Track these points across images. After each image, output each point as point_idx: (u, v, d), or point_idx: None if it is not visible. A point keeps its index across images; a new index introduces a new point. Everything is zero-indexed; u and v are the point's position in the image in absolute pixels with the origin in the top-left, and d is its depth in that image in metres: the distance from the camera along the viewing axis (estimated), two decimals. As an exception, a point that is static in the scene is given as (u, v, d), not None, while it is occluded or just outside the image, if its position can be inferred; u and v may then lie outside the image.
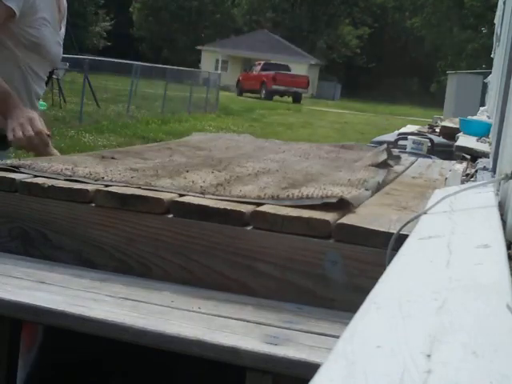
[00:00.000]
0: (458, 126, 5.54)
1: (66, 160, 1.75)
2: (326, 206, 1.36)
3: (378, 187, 1.72)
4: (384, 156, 2.13)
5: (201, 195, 1.44)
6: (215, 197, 1.42)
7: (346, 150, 2.53)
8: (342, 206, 1.37)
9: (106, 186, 1.48)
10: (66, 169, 1.59)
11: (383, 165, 2.05)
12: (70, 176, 1.54)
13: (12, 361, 1.36)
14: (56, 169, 1.59)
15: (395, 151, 4.08)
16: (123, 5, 50.16)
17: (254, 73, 33.51)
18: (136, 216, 1.39)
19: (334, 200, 1.36)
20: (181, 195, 1.43)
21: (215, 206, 1.34)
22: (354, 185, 1.61)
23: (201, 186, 1.49)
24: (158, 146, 2.34)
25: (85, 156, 1.88)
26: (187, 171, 1.70)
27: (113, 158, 1.85)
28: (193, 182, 1.54)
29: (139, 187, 1.46)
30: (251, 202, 1.40)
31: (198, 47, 45.67)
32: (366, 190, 1.59)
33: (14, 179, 1.51)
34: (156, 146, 2.29)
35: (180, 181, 1.55)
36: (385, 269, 0.86)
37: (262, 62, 35.01)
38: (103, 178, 1.53)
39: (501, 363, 0.50)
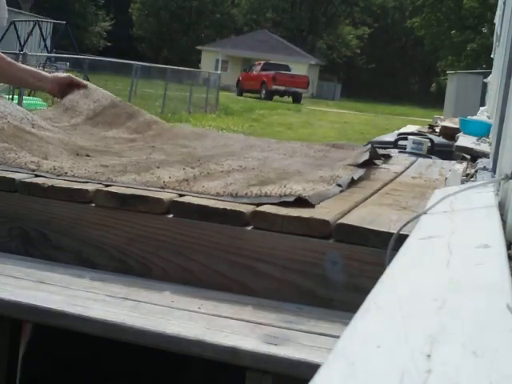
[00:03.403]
0: (458, 126, 5.53)
1: (39, 151, 1.74)
2: (300, 204, 1.38)
3: (352, 183, 1.73)
4: (366, 157, 2.14)
5: (160, 189, 1.45)
6: (175, 191, 1.44)
7: (336, 150, 2.53)
8: (300, 204, 1.38)
9: (107, 185, 1.48)
10: (32, 162, 1.59)
11: (364, 164, 2.06)
12: (34, 170, 1.55)
13: (12, 361, 1.36)
14: (20, 162, 1.59)
15: (394, 151, 4.08)
16: (123, 5, 50.14)
17: (254, 73, 33.49)
18: (136, 216, 1.39)
19: (291, 199, 1.38)
20: (181, 195, 1.44)
21: (215, 205, 1.34)
22: (326, 181, 1.62)
23: (164, 181, 1.50)
24: (143, 142, 2.31)
25: (60, 148, 1.86)
26: (158, 167, 1.71)
27: (87, 156, 1.85)
28: (158, 177, 1.55)
29: (100, 183, 1.48)
30: (210, 198, 1.41)
31: (198, 47, 45.65)
32: (338, 185, 1.60)
33: (13, 179, 1.51)
34: (140, 145, 2.26)
35: (146, 176, 1.55)
36: (385, 269, 0.86)
37: (262, 62, 34.99)
38: (66, 173, 1.54)
39: (501, 363, 0.50)
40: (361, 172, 1.88)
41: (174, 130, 2.58)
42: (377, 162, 2.26)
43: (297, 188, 1.45)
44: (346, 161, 2.12)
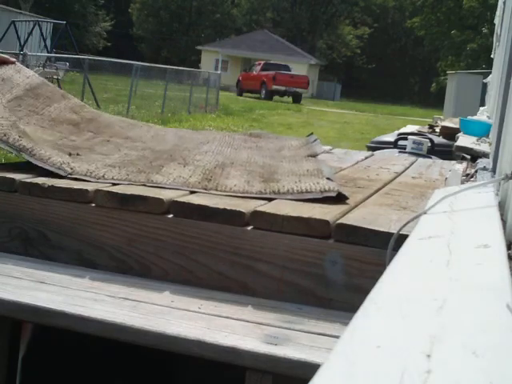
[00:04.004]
0: (458, 126, 5.53)
1: (57, 153, 1.74)
2: (324, 200, 1.41)
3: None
4: (321, 148, 2.24)
5: (204, 191, 1.46)
6: (219, 192, 1.45)
7: (258, 139, 2.59)
8: (339, 198, 1.42)
9: (114, 184, 1.49)
10: (64, 163, 1.60)
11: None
12: (71, 174, 1.55)
13: (12, 361, 1.36)
14: (55, 161, 1.59)
15: (394, 151, 4.09)
16: (123, 5, 50.18)
17: (254, 73, 33.48)
18: (136, 216, 1.39)
19: (333, 194, 1.41)
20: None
21: (215, 206, 1.34)
22: (314, 175, 1.66)
23: (199, 182, 1.51)
24: (92, 133, 2.33)
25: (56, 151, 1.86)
26: (162, 166, 1.71)
27: (78, 155, 1.85)
28: (181, 176, 1.55)
29: (144, 184, 1.49)
30: (253, 196, 1.43)
31: (198, 47, 45.65)
32: (328, 179, 1.63)
33: (13, 179, 1.51)
34: (91, 136, 2.27)
35: (169, 177, 1.56)
36: (385, 269, 0.86)
37: (262, 62, 34.98)
38: (103, 175, 1.54)
39: (501, 363, 0.49)
40: (325, 163, 1.95)
41: (102, 116, 2.61)
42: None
43: (326, 183, 1.50)
44: (289, 151, 2.21)
